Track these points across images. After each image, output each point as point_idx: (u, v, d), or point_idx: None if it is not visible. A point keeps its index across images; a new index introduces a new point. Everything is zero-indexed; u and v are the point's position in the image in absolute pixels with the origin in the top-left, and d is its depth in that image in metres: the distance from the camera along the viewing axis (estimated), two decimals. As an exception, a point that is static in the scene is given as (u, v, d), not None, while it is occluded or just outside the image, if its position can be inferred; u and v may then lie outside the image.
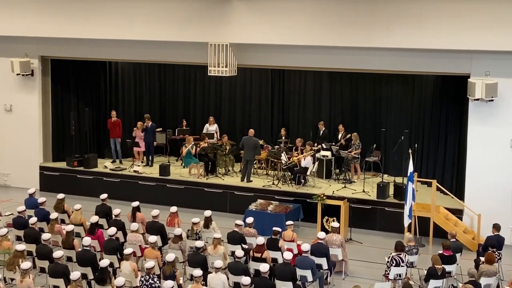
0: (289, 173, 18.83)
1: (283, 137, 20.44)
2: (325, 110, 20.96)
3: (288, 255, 12.41)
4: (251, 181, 18.94)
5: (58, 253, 12.27)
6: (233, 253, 13.16)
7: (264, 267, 11.80)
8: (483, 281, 12.28)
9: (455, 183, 18.02)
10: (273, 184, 18.62)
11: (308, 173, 18.54)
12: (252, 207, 17.28)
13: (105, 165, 20.42)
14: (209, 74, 17.91)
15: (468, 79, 16.26)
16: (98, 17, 18.60)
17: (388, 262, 13.02)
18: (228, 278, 12.22)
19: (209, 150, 19.68)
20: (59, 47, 19.98)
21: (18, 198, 18.20)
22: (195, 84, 22.46)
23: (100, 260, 12.82)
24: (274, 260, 13.26)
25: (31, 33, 19.38)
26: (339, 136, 19.92)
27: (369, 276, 14.24)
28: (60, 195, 15.82)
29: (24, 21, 19.27)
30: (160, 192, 19.14)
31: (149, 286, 11.59)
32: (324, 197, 16.43)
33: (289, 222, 14.47)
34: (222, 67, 17.58)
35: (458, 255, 13.56)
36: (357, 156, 19.07)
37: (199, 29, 17.71)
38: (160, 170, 19.54)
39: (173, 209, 15.04)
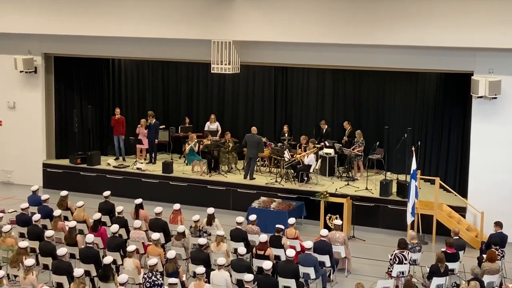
0: (292, 171, 18.83)
1: (286, 135, 20.45)
2: (328, 107, 20.95)
3: (291, 253, 12.41)
4: (254, 178, 18.93)
5: (61, 251, 12.30)
6: (236, 250, 13.17)
7: (267, 265, 11.82)
8: (486, 279, 12.27)
9: (458, 181, 17.99)
10: (276, 181, 18.61)
11: (311, 170, 18.52)
12: (255, 204, 17.27)
13: (108, 162, 20.43)
14: (212, 71, 17.88)
15: (472, 77, 16.23)
16: (101, 14, 18.59)
17: (391, 259, 13.03)
18: (231, 275, 12.24)
19: (212, 148, 19.68)
20: (62, 44, 19.97)
21: (21, 195, 18.24)
22: (198, 81, 22.45)
23: (103, 257, 12.83)
24: (277, 257, 13.26)
25: (34, 30, 19.37)
26: (346, 133, 19.91)
27: (372, 274, 14.24)
28: (63, 192, 15.87)
29: (27, 19, 19.26)
30: (163, 189, 19.13)
31: (152, 283, 11.60)
32: (327, 195, 16.43)
33: (291, 220, 14.47)
34: (225, 64, 17.56)
35: (461, 252, 13.54)
36: (360, 153, 19.05)
37: (202, 27, 17.69)
38: (163, 168, 19.55)
39: (176, 206, 15.07)
